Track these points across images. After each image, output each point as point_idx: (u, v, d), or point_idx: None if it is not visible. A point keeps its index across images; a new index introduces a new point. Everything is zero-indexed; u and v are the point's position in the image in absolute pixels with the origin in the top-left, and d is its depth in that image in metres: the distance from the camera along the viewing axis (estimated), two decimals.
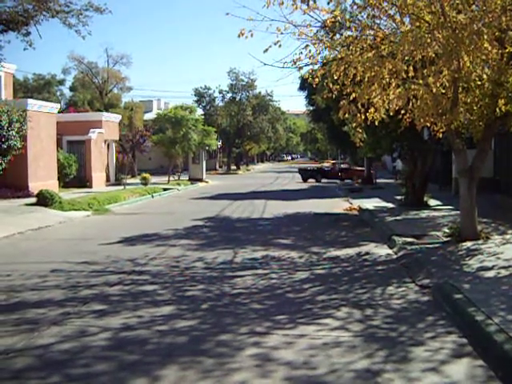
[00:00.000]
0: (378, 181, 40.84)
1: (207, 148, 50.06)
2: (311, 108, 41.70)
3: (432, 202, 23.58)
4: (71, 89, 72.24)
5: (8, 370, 6.09)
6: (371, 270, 11.72)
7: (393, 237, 15.10)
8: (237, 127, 74.24)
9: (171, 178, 44.69)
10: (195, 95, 74.08)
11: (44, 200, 22.57)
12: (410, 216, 19.96)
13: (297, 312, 8.39)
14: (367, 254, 13.54)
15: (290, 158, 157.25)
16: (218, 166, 79.97)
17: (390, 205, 24.48)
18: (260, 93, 76.80)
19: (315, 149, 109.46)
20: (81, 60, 65.23)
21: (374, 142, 24.01)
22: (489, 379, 5.85)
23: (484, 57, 12.21)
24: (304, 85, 38.37)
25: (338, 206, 25.84)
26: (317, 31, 13.85)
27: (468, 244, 13.33)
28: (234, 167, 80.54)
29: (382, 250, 13.91)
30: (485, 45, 11.81)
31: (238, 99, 74.65)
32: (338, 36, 13.99)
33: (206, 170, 54.20)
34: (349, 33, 13.63)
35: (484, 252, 12.42)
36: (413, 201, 23.14)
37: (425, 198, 23.33)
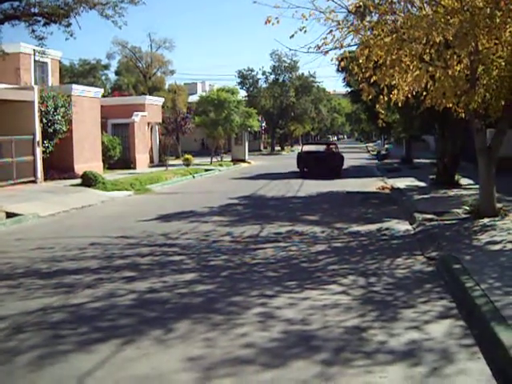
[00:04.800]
0: (417, 161, 41.00)
1: (249, 129, 50.80)
2: (349, 89, 42.08)
3: (463, 181, 23.93)
4: (116, 73, 73.95)
5: (46, 323, 7.19)
6: (386, 243, 12.47)
7: (414, 214, 15.76)
8: (280, 108, 74.75)
9: (214, 159, 45.69)
10: (238, 77, 74.79)
11: (88, 181, 23.82)
12: (437, 194, 20.51)
13: (306, 279, 9.26)
14: (387, 229, 14.26)
15: (335, 138, 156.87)
16: (262, 147, 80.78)
17: (422, 184, 24.98)
18: (303, 74, 77.07)
19: (360, 129, 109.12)
20: (124, 45, 66.69)
21: (407, 123, 24.58)
22: (464, 336, 6.57)
23: (497, 40, 12.74)
24: (339, 67, 38.40)
25: (372, 185, 26.34)
26: (344, 17, 14.51)
27: (485, 220, 13.86)
28: (278, 148, 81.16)
29: (402, 226, 14.60)
30: (497, 28, 12.35)
31: (280, 81, 75.16)
32: (360, 21, 14.51)
33: (250, 151, 55.02)
34: (370, 18, 14.19)
35: (497, 228, 12.97)
36: (444, 180, 23.50)
37: (456, 177, 23.67)
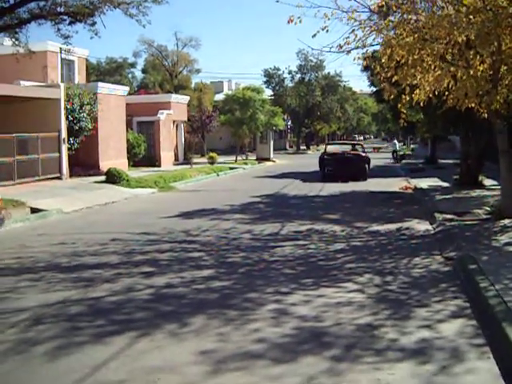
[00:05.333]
0: (442, 161, 40.79)
1: (274, 128, 50.89)
2: (374, 89, 41.97)
3: (487, 182, 23.80)
4: (143, 71, 74.54)
5: (64, 315, 7.39)
6: (405, 243, 12.50)
7: (435, 214, 15.76)
8: (306, 107, 74.81)
9: (239, 158, 45.89)
10: (265, 76, 75.01)
11: (112, 178, 24.11)
12: (460, 195, 20.46)
13: (323, 277, 9.34)
14: (407, 229, 14.29)
15: (361, 138, 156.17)
16: (287, 146, 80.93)
17: (446, 184, 24.91)
18: (329, 73, 77.05)
19: (386, 129, 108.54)
20: (151, 43, 67.25)
21: (430, 123, 24.48)
22: (475, 336, 6.60)
23: None
24: (364, 66, 38.56)
25: (395, 184, 26.27)
26: (368, 16, 14.54)
27: (506, 221, 13.82)
28: (304, 147, 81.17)
29: (422, 226, 14.61)
30: None
31: (306, 80, 75.21)
32: (383, 21, 14.51)
33: (275, 150, 55.11)
34: (392, 18, 14.19)
35: None
36: (467, 180, 23.40)
37: (480, 178, 23.56)
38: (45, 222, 16.00)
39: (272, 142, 52.06)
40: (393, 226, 14.53)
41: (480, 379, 5.47)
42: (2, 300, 8.07)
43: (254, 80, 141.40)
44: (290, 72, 75.53)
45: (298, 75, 75.58)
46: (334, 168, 29.41)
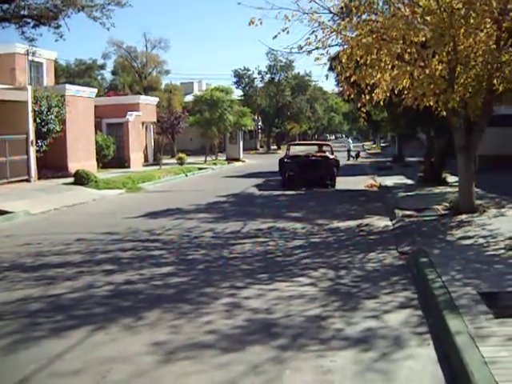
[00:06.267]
0: (410, 159, 41.35)
1: (244, 128, 51.17)
2: (340, 88, 42.34)
3: (451, 179, 24.20)
4: (113, 73, 74.39)
5: (24, 311, 7.63)
6: (363, 239, 12.86)
7: (395, 210, 16.15)
8: (276, 107, 75.19)
9: (209, 158, 46.10)
10: (234, 76, 75.17)
11: (80, 179, 24.24)
12: (423, 192, 20.91)
13: (278, 272, 9.66)
14: (366, 225, 14.63)
15: (333, 137, 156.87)
16: (258, 146, 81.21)
17: (410, 181, 25.41)
18: (299, 73, 77.51)
19: (357, 128, 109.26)
20: (120, 45, 67.33)
21: (393, 121, 24.94)
22: (419, 325, 6.92)
23: (471, 42, 13.14)
24: (332, 66, 38.74)
25: (361, 183, 26.63)
26: (330, 18, 14.86)
27: (463, 217, 14.24)
28: (274, 147, 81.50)
29: (382, 222, 14.98)
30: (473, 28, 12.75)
31: (276, 80, 75.53)
32: (341, 21, 14.81)
33: (246, 150, 55.37)
34: (353, 19, 14.48)
35: (473, 224, 13.35)
36: (431, 177, 23.78)
37: (443, 175, 23.98)
38: (11, 223, 16.11)
39: (242, 143, 52.33)
40: (353, 223, 14.87)
41: (418, 364, 5.78)
42: None
43: (225, 81, 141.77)
44: (259, 72, 75.83)
45: (268, 75, 75.88)
46: (296, 173, 25.30)
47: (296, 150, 33.61)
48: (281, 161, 26.48)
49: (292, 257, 10.98)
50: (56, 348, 6.23)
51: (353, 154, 51.15)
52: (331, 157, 26.85)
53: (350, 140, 55.63)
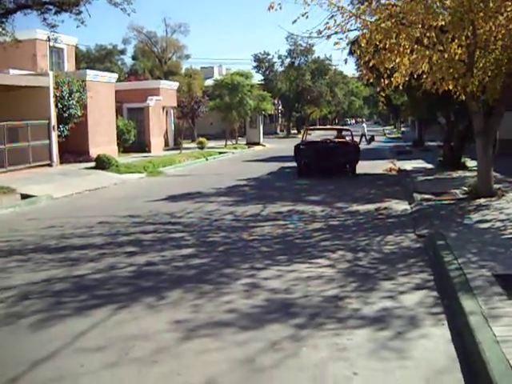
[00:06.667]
0: (430, 143, 41.16)
1: (263, 113, 51.20)
2: (359, 73, 42.24)
3: (470, 163, 24.17)
4: (133, 58, 74.71)
5: (49, 291, 7.89)
6: (381, 222, 12.99)
7: (414, 194, 16.23)
8: (296, 92, 74.98)
9: (229, 142, 46.27)
10: (254, 61, 74.96)
11: (101, 164, 24.52)
12: (442, 176, 20.94)
13: (297, 254, 9.84)
14: (385, 208, 14.75)
15: (353, 121, 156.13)
16: (278, 130, 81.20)
17: (430, 166, 25.39)
18: (319, 57, 77.16)
19: (378, 112, 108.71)
20: (140, 30, 67.58)
21: (413, 105, 24.90)
22: (434, 305, 7.06)
23: (490, 26, 13.12)
24: (352, 50, 38.64)
25: (381, 167, 26.60)
26: (350, 2, 14.90)
27: (481, 200, 14.30)
28: (295, 131, 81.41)
29: (400, 206, 15.08)
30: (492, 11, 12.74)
31: (296, 64, 75.30)
32: (361, 6, 14.84)
33: (266, 134, 55.37)
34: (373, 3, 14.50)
35: (491, 207, 13.43)
36: (450, 162, 23.75)
37: (462, 159, 23.94)
38: (34, 207, 16.41)
39: (262, 127, 52.35)
40: (372, 206, 14.98)
41: (431, 343, 5.92)
42: None
43: (245, 65, 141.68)
44: (279, 57, 75.57)
45: (288, 59, 75.65)
46: (312, 161, 23.52)
47: (314, 135, 32.79)
48: (296, 147, 24.20)
49: (311, 239, 11.14)
50: (80, 326, 6.46)
51: (367, 138, 50.90)
52: (351, 143, 25.20)
53: (364, 125, 55.62)
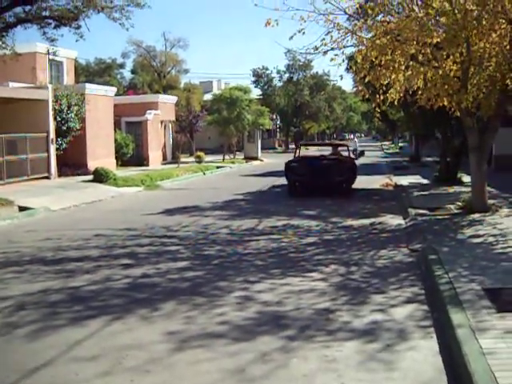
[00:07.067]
0: (427, 159, 41.35)
1: (261, 127, 51.41)
2: (355, 88, 42.56)
3: (466, 179, 24.22)
4: (132, 72, 75.03)
5: (45, 302, 8.02)
6: (375, 236, 13.10)
7: (409, 209, 16.36)
8: (294, 106, 75.32)
9: (227, 157, 46.45)
10: (253, 76, 75.39)
11: (99, 177, 24.68)
12: (437, 191, 21.06)
13: (291, 267, 9.95)
14: (380, 223, 14.88)
15: (351, 136, 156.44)
16: (276, 145, 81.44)
17: (426, 181, 25.51)
18: (317, 73, 77.58)
19: (376, 128, 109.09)
20: (139, 44, 67.85)
21: (409, 121, 25.10)
22: (424, 319, 7.17)
23: (484, 43, 13.33)
24: (349, 66, 39.01)
25: (377, 182, 26.77)
26: (346, 19, 15.10)
27: (475, 216, 14.42)
28: (293, 146, 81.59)
29: (395, 221, 15.20)
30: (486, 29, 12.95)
31: (295, 79, 75.70)
32: (357, 22, 15.01)
33: (264, 149, 55.55)
34: (368, 20, 14.69)
35: (485, 223, 13.53)
36: (446, 177, 23.84)
37: (458, 175, 24.04)
38: (32, 219, 16.53)
39: (259, 141, 52.57)
40: (367, 221, 15.10)
41: (420, 355, 6.02)
42: None
43: (244, 80, 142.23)
44: (278, 71, 76.08)
45: (286, 75, 76.09)
46: (305, 179, 21.70)
47: (308, 151, 32.71)
48: (287, 164, 22.14)
49: (305, 253, 11.26)
50: (75, 336, 6.57)
51: (357, 153, 51.25)
52: (347, 159, 23.49)
53: (356, 140, 56.57)
